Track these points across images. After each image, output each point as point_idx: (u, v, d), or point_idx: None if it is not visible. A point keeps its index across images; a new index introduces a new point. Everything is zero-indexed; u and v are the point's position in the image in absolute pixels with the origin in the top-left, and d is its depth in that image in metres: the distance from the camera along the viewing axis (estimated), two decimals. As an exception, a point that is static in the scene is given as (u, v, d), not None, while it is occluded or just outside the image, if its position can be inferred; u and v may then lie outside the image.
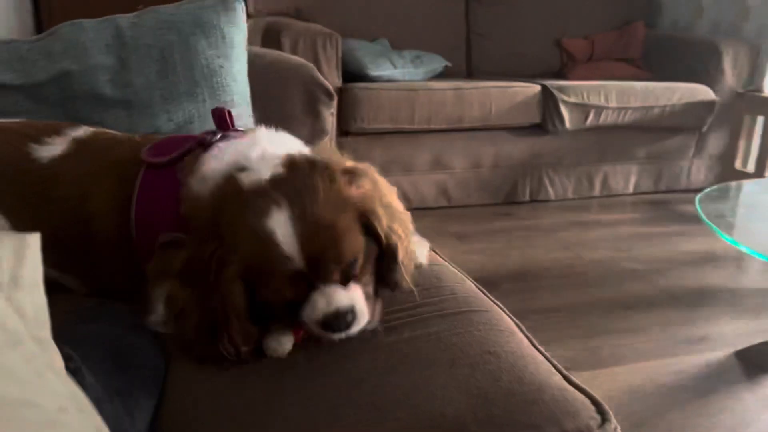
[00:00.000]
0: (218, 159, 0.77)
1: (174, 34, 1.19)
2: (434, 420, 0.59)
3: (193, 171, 0.78)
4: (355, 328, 0.69)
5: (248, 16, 1.30)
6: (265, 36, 2.73)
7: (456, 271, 0.94)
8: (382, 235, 0.73)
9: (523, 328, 0.82)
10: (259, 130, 0.84)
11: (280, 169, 0.71)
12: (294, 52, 2.55)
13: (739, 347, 1.75)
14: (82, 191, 0.85)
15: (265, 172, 0.71)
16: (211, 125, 1.24)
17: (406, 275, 0.77)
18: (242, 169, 0.73)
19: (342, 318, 0.67)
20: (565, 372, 0.71)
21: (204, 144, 0.82)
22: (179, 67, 1.19)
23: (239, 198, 0.69)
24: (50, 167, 0.88)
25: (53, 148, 0.89)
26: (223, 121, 0.89)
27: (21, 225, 0.86)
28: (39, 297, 0.42)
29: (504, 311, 0.84)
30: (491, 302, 0.85)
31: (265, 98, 1.38)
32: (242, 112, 1.27)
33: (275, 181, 0.70)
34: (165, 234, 0.75)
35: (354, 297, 0.69)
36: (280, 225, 0.66)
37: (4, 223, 0.86)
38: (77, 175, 0.86)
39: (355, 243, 0.70)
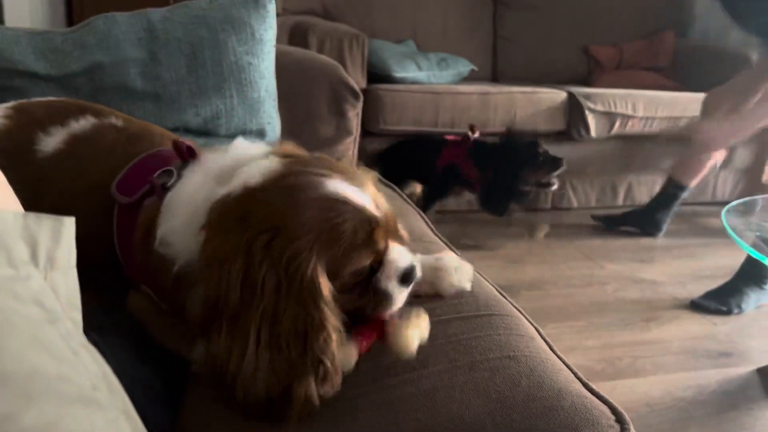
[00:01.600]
0: (193, 180, 0.70)
1: (204, 30, 1.20)
2: (453, 422, 0.59)
3: (160, 235, 0.67)
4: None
5: (276, 14, 1.31)
6: (292, 34, 2.75)
7: (476, 273, 0.93)
8: None
9: (543, 333, 0.81)
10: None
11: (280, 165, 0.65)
12: (320, 51, 2.56)
13: (762, 364, 1.72)
14: (68, 210, 0.82)
15: (270, 166, 0.64)
16: (237, 121, 1.26)
17: None
18: (229, 177, 0.65)
19: (414, 269, 0.67)
20: (584, 379, 0.70)
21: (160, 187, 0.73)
22: (208, 63, 1.20)
23: (271, 186, 0.62)
24: (42, 167, 0.84)
25: (51, 142, 0.85)
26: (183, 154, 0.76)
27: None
28: (72, 280, 0.42)
29: (524, 316, 0.84)
30: (511, 306, 0.85)
31: (291, 96, 1.39)
32: (269, 108, 1.28)
33: (294, 166, 0.64)
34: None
35: None
36: (346, 188, 0.62)
37: None
38: (62, 190, 0.82)
39: None
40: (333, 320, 0.60)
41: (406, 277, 0.66)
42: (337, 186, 0.62)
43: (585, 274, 2.31)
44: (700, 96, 2.95)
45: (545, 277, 2.26)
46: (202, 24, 1.20)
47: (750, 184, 3.13)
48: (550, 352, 0.75)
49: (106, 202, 0.76)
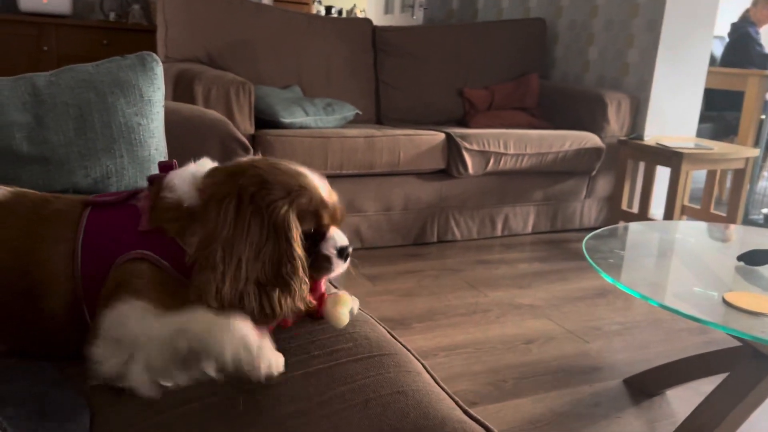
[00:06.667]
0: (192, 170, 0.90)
1: (92, 93, 1.23)
2: (350, 456, 0.67)
3: (167, 185, 0.87)
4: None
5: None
6: (177, 83, 2.75)
7: (368, 317, 1.02)
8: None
9: (428, 367, 0.91)
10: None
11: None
12: (207, 99, 2.60)
13: (627, 375, 1.92)
14: (22, 254, 0.85)
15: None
16: (128, 180, 1.28)
17: None
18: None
19: (348, 248, 0.88)
20: (464, 406, 0.81)
21: (156, 179, 0.92)
22: (97, 125, 1.22)
23: (257, 161, 0.86)
24: None
25: None
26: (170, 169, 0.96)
27: None
28: None
29: (411, 353, 0.93)
30: (400, 345, 0.94)
31: (182, 153, 1.42)
32: (160, 166, 1.31)
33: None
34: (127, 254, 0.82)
35: None
36: (309, 172, 0.87)
37: None
38: (7, 241, 0.86)
39: None
40: (300, 252, 0.81)
41: (342, 251, 0.88)
42: (304, 169, 0.87)
43: (470, 303, 2.46)
44: (563, 133, 3.26)
45: (435, 308, 2.39)
46: (90, 87, 1.22)
47: (611, 210, 3.47)
48: (435, 384, 0.85)
49: (72, 217, 0.88)
